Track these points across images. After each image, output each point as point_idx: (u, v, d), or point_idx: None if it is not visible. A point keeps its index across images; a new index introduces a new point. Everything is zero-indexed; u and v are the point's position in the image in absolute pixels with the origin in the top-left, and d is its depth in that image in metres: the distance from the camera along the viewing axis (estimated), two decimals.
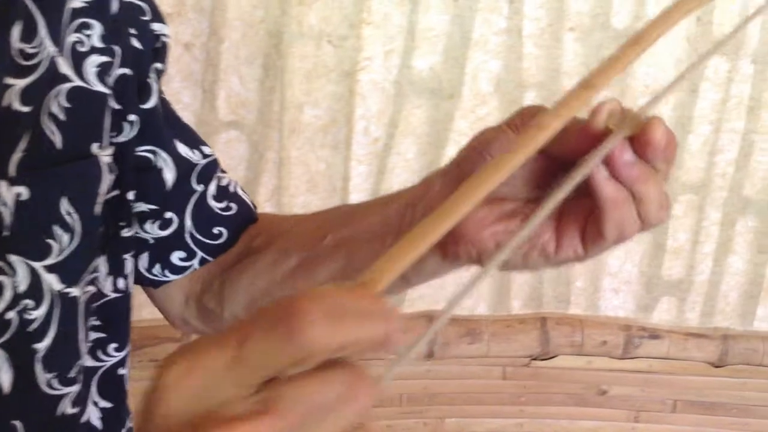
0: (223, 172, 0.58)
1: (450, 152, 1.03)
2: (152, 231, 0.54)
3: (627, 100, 0.99)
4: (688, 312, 1.17)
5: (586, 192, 0.39)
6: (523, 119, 0.41)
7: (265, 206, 1.03)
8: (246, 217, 0.58)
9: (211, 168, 0.56)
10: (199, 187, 0.55)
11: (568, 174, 0.38)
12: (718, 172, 1.09)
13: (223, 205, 0.56)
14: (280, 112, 0.97)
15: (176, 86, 0.94)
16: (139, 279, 0.56)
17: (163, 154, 0.53)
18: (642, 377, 1.20)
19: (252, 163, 1.01)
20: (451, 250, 0.44)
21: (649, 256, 1.14)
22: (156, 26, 0.51)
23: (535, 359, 1.17)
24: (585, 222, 0.41)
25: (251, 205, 0.59)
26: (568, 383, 1.19)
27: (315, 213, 0.58)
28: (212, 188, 0.56)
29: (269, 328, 0.26)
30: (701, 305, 1.17)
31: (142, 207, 0.53)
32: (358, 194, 1.04)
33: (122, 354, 0.53)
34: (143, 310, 0.76)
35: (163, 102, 0.54)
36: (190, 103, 0.96)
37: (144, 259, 0.55)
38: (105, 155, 0.46)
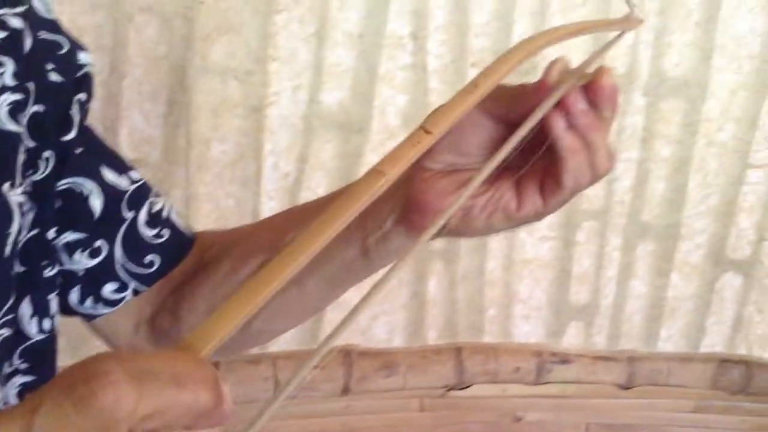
0: (158, 195, 0.56)
1: None
2: (81, 261, 0.52)
3: None
4: (596, 335, 1.21)
5: (539, 151, 0.43)
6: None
7: None
8: (179, 243, 0.56)
9: (142, 193, 0.54)
10: (130, 214, 0.53)
11: (526, 121, 0.41)
12: (616, 199, 1.13)
13: (154, 232, 0.55)
14: (186, 148, 0.95)
15: None
16: (71, 313, 0.54)
17: (89, 183, 0.51)
18: (555, 402, 1.22)
19: None
20: (417, 222, 0.45)
21: (556, 283, 1.17)
22: (78, 56, 0.50)
23: (451, 389, 1.18)
24: (542, 178, 0.44)
25: (184, 231, 0.57)
26: (484, 411, 1.20)
27: (272, 216, 0.59)
28: (143, 215, 0.54)
29: (64, 392, 0.23)
30: (607, 328, 1.20)
31: (71, 236, 0.51)
32: None
33: None
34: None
35: (89, 129, 0.53)
36: None
37: (75, 294, 0.53)
38: (16, 195, 0.45)
